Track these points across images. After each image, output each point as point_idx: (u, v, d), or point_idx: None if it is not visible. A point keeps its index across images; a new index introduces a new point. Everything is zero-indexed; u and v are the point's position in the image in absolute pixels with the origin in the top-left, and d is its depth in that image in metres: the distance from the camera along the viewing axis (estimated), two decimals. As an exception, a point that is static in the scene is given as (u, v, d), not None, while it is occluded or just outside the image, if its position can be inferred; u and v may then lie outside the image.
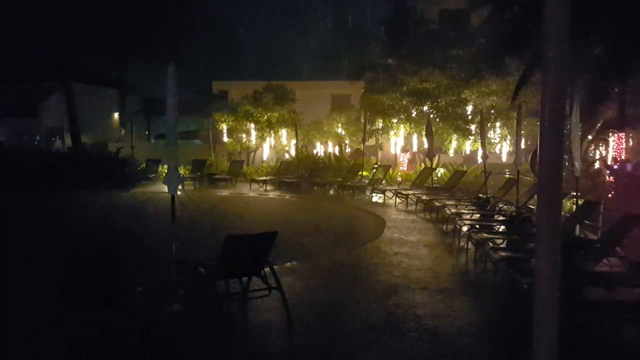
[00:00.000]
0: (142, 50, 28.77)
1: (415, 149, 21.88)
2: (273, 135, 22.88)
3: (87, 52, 28.61)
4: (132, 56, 31.77)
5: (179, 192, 9.23)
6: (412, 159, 22.38)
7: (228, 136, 23.21)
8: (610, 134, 15.09)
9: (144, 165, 20.64)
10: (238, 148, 23.08)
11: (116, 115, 36.60)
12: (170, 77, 6.14)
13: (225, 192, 17.64)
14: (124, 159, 20.55)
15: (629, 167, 11.87)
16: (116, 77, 35.73)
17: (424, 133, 17.33)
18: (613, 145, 15.35)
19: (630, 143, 15.92)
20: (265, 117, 22.04)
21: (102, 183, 17.78)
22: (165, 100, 6.19)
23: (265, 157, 23.65)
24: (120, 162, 20.30)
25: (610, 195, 11.63)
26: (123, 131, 35.23)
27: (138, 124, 33.39)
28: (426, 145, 16.61)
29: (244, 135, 22.80)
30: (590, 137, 14.27)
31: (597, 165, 14.68)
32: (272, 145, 23.60)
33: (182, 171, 18.90)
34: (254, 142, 22.83)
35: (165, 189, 6.38)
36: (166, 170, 6.97)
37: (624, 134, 14.76)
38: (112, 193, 16.78)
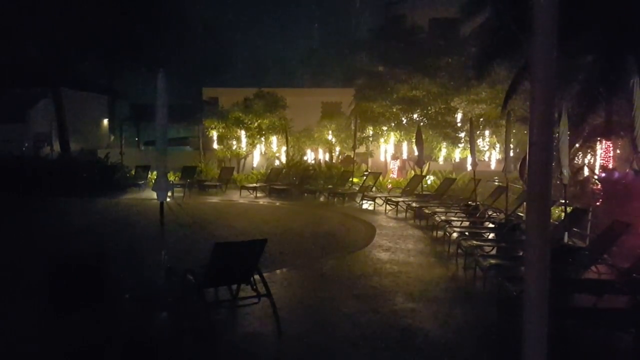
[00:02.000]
0: (132, 56, 28.62)
1: (405, 156, 21.97)
2: (263, 142, 22.86)
3: (76, 58, 28.44)
4: (122, 62, 31.62)
5: (168, 199, 9.18)
6: (402, 166, 22.46)
7: (218, 143, 23.16)
8: (598, 142, 15.24)
9: (133, 172, 20.52)
10: (228, 155, 23.02)
11: (105, 121, 36.36)
12: (160, 83, 6.11)
13: (215, 199, 17.56)
14: (113, 166, 20.39)
15: (616, 175, 11.97)
16: (105, 83, 35.54)
17: (414, 140, 17.40)
18: (601, 153, 15.50)
19: (618, 151, 16.08)
20: (256, 124, 22.02)
21: (90, 190, 17.62)
22: (155, 107, 6.16)
23: (255, 164, 23.60)
24: (109, 168, 20.15)
25: (598, 203, 11.72)
26: (112, 137, 35.00)
27: (127, 131, 33.21)
28: (416, 153, 16.67)
29: (234, 142, 22.76)
30: (577, 145, 14.40)
31: (585, 172, 14.80)
32: (263, 152, 23.57)
33: (171, 178, 18.79)
34: (244, 148, 22.80)
35: (155, 195, 6.34)
36: (155, 177, 6.91)
37: (611, 142, 14.91)
38: (100, 200, 16.65)
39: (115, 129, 34.87)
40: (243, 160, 23.66)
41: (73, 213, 14.58)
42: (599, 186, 12.66)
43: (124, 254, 8.92)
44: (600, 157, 15.35)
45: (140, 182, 19.31)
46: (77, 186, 17.63)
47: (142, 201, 16.18)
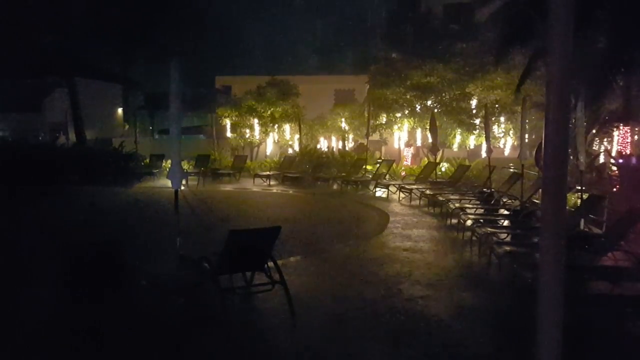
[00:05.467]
0: (146, 45, 28.74)
1: (419, 143, 21.85)
2: (276, 130, 22.88)
3: (91, 48, 28.62)
4: (136, 51, 31.77)
5: (182, 187, 9.25)
6: (415, 153, 22.35)
7: (231, 131, 23.23)
8: (615, 128, 15.02)
9: (147, 160, 20.68)
10: (241, 143, 23.09)
11: (120, 110, 36.64)
12: (174, 72, 6.14)
13: (228, 187, 17.66)
14: (127, 155, 20.57)
15: (633, 161, 11.80)
16: (120, 72, 35.75)
17: (427, 127, 17.29)
18: (618, 139, 15.28)
19: (636, 137, 15.84)
20: (269, 112, 22.03)
21: (106, 178, 17.80)
22: (169, 96, 6.19)
23: (268, 152, 23.65)
24: (124, 157, 20.32)
25: (615, 190, 11.58)
26: (127, 126, 35.27)
27: (142, 120, 33.40)
28: (430, 140, 16.57)
29: (247, 131, 22.80)
30: (594, 130, 14.21)
31: (602, 159, 14.62)
32: (276, 140, 23.59)
33: (185, 166, 18.92)
34: (257, 137, 22.84)
35: (169, 184, 6.39)
36: (170, 165, 6.97)
37: (629, 127, 14.69)
38: (116, 188, 16.82)
39: (129, 118, 35.11)
40: (256, 148, 23.72)
41: (89, 202, 14.76)
42: (616, 172, 12.51)
43: (140, 241, 9.03)
44: (618, 143, 15.14)
45: (155, 171, 19.47)
46: (92, 175, 17.81)
47: (157, 189, 16.32)
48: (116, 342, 4.97)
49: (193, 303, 6.03)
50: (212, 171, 19.69)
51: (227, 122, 23.02)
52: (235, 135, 23.00)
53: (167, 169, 15.02)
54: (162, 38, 27.42)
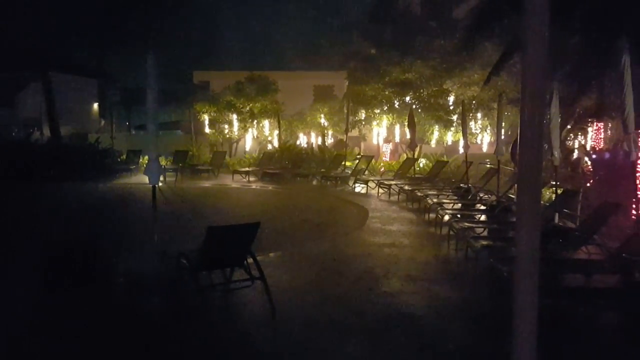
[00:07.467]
0: (122, 39, 28.32)
1: (397, 139, 21.98)
2: (256, 126, 22.77)
3: (66, 42, 28.09)
4: (112, 46, 31.26)
5: (160, 183, 9.15)
6: (394, 149, 22.48)
7: (210, 127, 23.05)
8: (589, 124, 15.31)
9: (124, 156, 20.40)
10: (220, 139, 22.93)
11: (96, 105, 36.05)
12: (151, 67, 6.07)
13: (207, 184, 17.53)
14: (104, 150, 20.28)
15: (606, 156, 12.05)
16: (96, 67, 35.16)
17: (406, 124, 17.40)
18: (592, 135, 15.60)
19: (609, 133, 16.18)
20: (248, 108, 21.91)
21: (82, 174, 17.52)
22: (146, 91, 6.12)
23: (247, 148, 23.53)
24: (100, 153, 20.03)
25: (588, 185, 11.82)
26: (103, 122, 34.73)
27: (118, 115, 32.97)
28: (408, 136, 16.68)
29: (226, 126, 22.65)
30: (569, 126, 14.46)
31: (576, 154, 14.90)
32: (255, 136, 23.49)
33: (163, 162, 18.72)
34: (236, 133, 22.70)
35: (147, 180, 6.32)
36: (147, 161, 6.89)
37: (602, 123, 14.99)
38: (92, 184, 16.57)
39: (106, 113, 34.57)
40: (235, 144, 23.58)
41: (65, 198, 14.52)
42: (590, 167, 12.76)
43: (118, 237, 8.91)
44: (592, 138, 15.46)
45: (132, 167, 19.25)
46: (68, 171, 17.52)
47: (134, 185, 16.13)
48: (90, 340, 4.90)
49: (171, 299, 5.99)
50: (190, 167, 19.53)
51: (206, 118, 22.84)
52: (213, 131, 22.83)
53: (145, 165, 14.86)
54: (139, 32, 27.04)
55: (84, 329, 5.09)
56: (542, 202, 9.01)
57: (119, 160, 20.38)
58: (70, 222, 10.77)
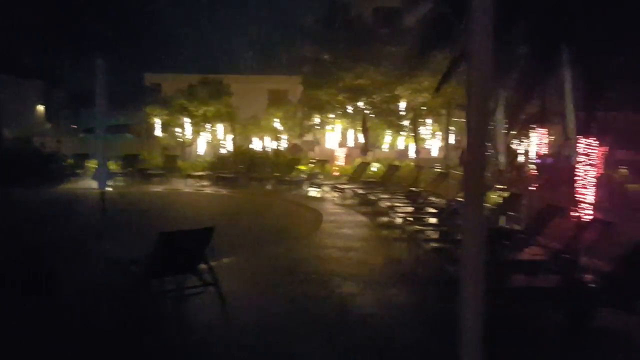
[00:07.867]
0: (70, 40, 27.36)
1: (351, 144, 22.22)
2: (209, 129, 22.51)
3: (8, 41, 26.89)
4: (59, 47, 30.13)
5: (109, 188, 8.92)
6: (348, 153, 22.71)
7: (162, 130, 22.61)
8: (533, 130, 15.95)
9: (71, 160, 19.72)
10: (172, 143, 22.54)
11: (41, 108, 34.62)
12: (99, 69, 5.93)
13: (159, 188, 17.18)
14: (49, 154, 19.51)
15: (549, 161, 12.60)
16: (41, 68, 33.75)
17: (359, 129, 17.63)
18: (535, 141, 16.25)
19: (552, 138, 16.90)
20: (201, 111, 21.64)
21: (25, 180, 16.77)
22: (94, 93, 5.98)
23: (201, 152, 23.22)
24: (45, 157, 19.26)
25: (532, 188, 12.31)
26: (49, 125, 33.40)
27: (65, 118, 31.79)
28: (361, 141, 16.91)
29: (178, 130, 22.28)
30: (514, 132, 15.02)
31: (521, 159, 15.49)
32: (209, 140, 23.21)
33: (112, 166, 18.21)
34: (189, 136, 22.37)
35: (95, 185, 6.16)
36: (95, 166, 6.71)
37: (545, 129, 15.64)
38: (37, 190, 15.90)
39: (52, 116, 33.25)
40: (188, 148, 23.22)
41: (6, 205, 13.87)
42: (534, 171, 13.29)
43: (64, 245, 8.60)
44: (535, 144, 16.10)
45: (79, 171, 18.65)
46: (10, 176, 16.75)
47: (81, 191, 15.63)
48: (35, 354, 4.72)
49: (121, 308, 5.84)
50: (140, 171, 19.07)
51: (157, 121, 22.39)
52: (165, 134, 22.41)
53: (93, 169, 14.42)
54: (88, 33, 26.24)
55: (28, 342, 4.90)
56: (488, 205, 9.34)
57: (65, 164, 19.67)
58: (12, 231, 10.31)
